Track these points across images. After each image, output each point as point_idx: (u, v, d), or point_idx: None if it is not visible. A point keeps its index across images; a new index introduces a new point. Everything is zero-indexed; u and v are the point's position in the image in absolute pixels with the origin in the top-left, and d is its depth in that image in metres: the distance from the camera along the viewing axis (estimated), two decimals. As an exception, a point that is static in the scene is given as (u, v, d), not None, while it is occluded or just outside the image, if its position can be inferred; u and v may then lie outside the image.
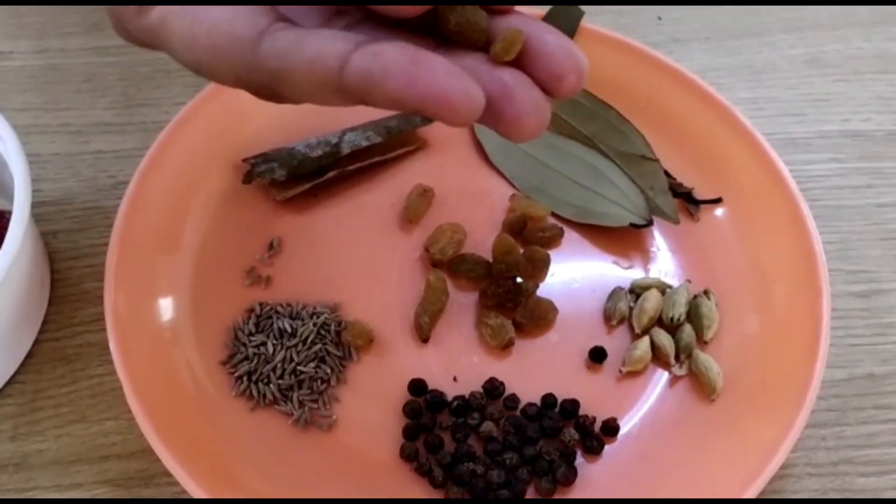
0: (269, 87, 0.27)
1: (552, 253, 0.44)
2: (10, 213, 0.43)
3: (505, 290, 0.42)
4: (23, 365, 0.41)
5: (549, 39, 0.27)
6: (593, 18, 0.51)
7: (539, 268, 0.44)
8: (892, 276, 0.46)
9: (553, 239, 0.45)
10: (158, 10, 0.28)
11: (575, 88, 0.27)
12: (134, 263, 0.41)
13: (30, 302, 0.41)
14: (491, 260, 0.44)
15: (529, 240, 0.45)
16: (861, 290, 0.45)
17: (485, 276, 0.43)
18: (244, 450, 0.38)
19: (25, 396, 0.41)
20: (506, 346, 0.42)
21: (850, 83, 0.53)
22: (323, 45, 0.26)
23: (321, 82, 0.26)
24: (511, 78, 0.27)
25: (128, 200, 0.42)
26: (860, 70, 0.54)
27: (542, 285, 0.44)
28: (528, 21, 0.28)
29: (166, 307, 0.41)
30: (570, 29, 0.49)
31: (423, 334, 0.42)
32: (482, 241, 0.45)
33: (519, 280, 0.43)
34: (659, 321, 0.43)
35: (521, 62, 0.27)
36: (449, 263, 0.44)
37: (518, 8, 0.28)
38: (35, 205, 0.39)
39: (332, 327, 0.41)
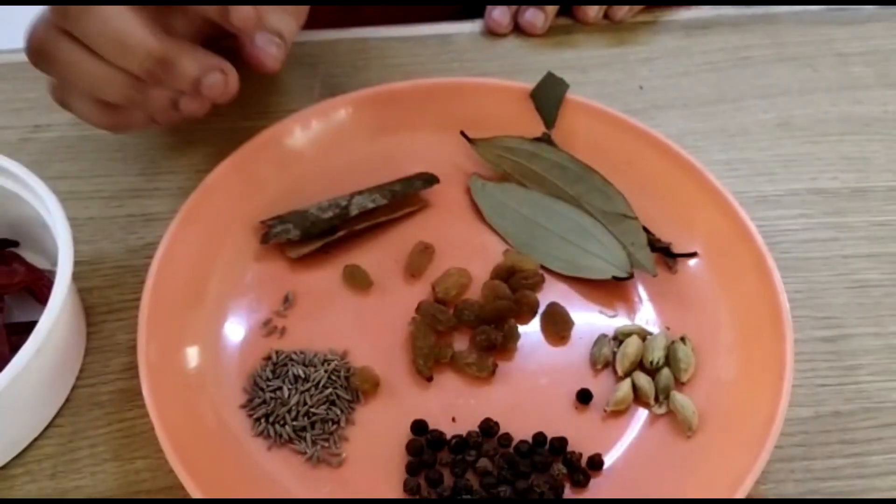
0: None
1: (543, 302, 0.49)
2: (52, 272, 0.48)
3: (501, 333, 0.47)
4: (62, 409, 0.46)
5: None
6: (579, 89, 0.56)
7: (528, 311, 0.48)
8: (857, 322, 0.50)
9: (536, 285, 0.49)
10: None
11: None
12: (164, 316, 0.45)
13: (69, 352, 0.46)
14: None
15: (515, 287, 0.49)
16: (827, 335, 0.49)
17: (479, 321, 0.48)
18: (262, 484, 0.42)
19: (64, 438, 0.45)
20: (492, 373, 0.46)
21: (818, 144, 0.58)
22: None
23: None
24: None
25: (158, 259, 0.46)
26: (827, 132, 0.59)
27: (534, 332, 0.48)
28: None
29: (192, 356, 0.45)
30: (557, 99, 0.54)
31: (424, 374, 0.46)
32: (479, 291, 0.49)
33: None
34: (640, 365, 0.47)
35: None
36: (455, 311, 0.48)
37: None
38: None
39: (342, 373, 0.46)
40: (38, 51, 0.42)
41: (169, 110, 0.44)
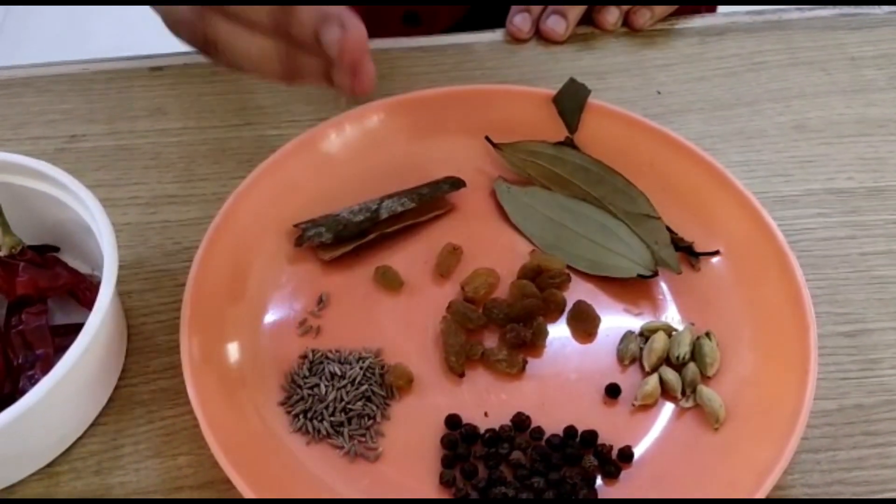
0: None
1: (570, 301, 0.50)
2: (93, 276, 0.49)
3: (531, 331, 0.48)
4: (105, 408, 0.47)
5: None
6: (598, 95, 0.57)
7: (556, 309, 0.49)
8: (877, 317, 0.51)
9: (563, 284, 0.51)
10: None
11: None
12: (205, 313, 0.46)
13: (112, 353, 0.47)
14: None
15: (542, 286, 0.50)
16: (848, 330, 0.50)
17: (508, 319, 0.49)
18: (303, 479, 0.43)
19: (108, 435, 0.46)
20: (522, 369, 0.47)
21: (833, 146, 0.59)
22: None
23: None
24: None
25: (198, 260, 0.48)
26: (842, 134, 0.60)
27: (562, 330, 0.49)
28: None
29: (233, 352, 0.47)
30: (579, 104, 0.56)
31: (456, 371, 0.47)
32: (507, 291, 0.51)
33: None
34: (666, 360, 0.48)
35: None
36: (485, 310, 0.49)
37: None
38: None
39: (377, 370, 0.47)
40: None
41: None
